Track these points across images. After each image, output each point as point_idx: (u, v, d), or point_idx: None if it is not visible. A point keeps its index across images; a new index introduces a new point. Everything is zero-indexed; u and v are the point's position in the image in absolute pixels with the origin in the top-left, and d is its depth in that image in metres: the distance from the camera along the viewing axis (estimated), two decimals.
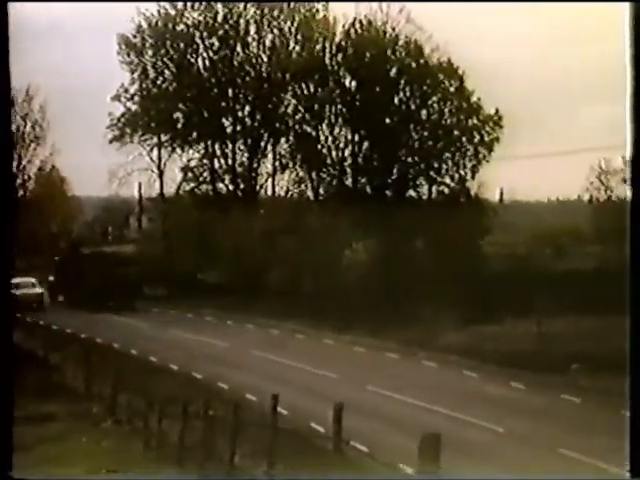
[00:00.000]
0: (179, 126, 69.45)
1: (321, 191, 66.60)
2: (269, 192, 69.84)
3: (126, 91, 70.18)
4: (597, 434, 26.88)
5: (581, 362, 37.01)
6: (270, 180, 69.38)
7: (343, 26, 65.25)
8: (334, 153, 65.29)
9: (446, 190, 61.52)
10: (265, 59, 67.62)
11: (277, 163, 68.72)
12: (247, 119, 68.55)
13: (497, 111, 61.71)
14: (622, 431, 27.33)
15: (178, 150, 70.40)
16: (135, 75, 69.96)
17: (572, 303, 45.15)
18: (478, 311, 45.79)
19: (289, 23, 67.21)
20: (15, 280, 43.09)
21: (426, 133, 61.85)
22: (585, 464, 23.77)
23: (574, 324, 42.78)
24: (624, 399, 28.62)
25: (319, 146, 65.61)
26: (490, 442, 26.38)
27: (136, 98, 70.54)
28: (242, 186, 68.80)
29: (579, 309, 44.45)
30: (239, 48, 67.56)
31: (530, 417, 29.68)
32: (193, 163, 70.25)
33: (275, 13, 67.41)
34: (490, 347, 41.22)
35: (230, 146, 68.70)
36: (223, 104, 68.36)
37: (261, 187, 69.96)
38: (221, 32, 67.32)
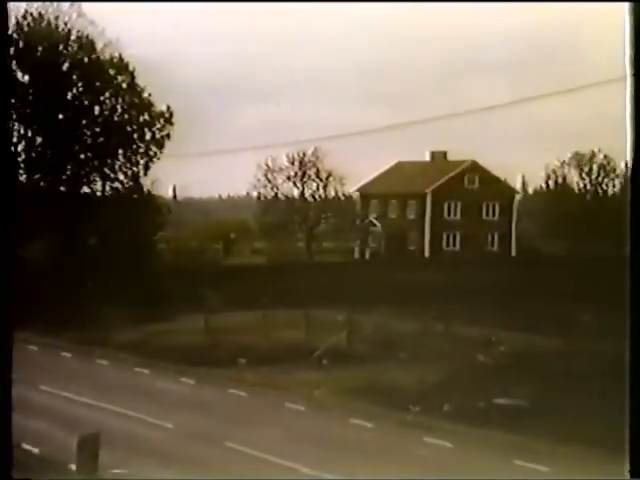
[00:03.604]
0: None
1: None
2: None
3: None
4: (263, 427, 28.63)
5: (247, 356, 38.79)
6: None
7: (15, 18, 64.13)
8: None
9: (120, 187, 61.83)
10: None
11: None
12: None
13: (168, 108, 62.50)
14: (287, 423, 29.36)
15: None
16: None
17: (239, 297, 47.02)
18: (151, 308, 46.73)
19: None
20: None
21: (99, 129, 61.92)
22: (252, 457, 25.32)
23: (240, 318, 44.63)
24: (289, 393, 30.61)
25: None
26: (159, 438, 27.41)
27: None
28: None
29: (246, 303, 46.38)
30: None
31: (199, 412, 31.01)
32: None
33: None
34: (161, 343, 42.33)
35: None
36: None
37: None
38: None
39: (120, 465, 23.60)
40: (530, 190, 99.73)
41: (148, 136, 61.90)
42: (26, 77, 62.69)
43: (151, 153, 61.60)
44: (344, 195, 79.79)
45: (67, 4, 61.96)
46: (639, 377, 9.40)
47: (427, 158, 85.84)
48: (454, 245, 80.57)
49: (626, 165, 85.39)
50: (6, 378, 9.97)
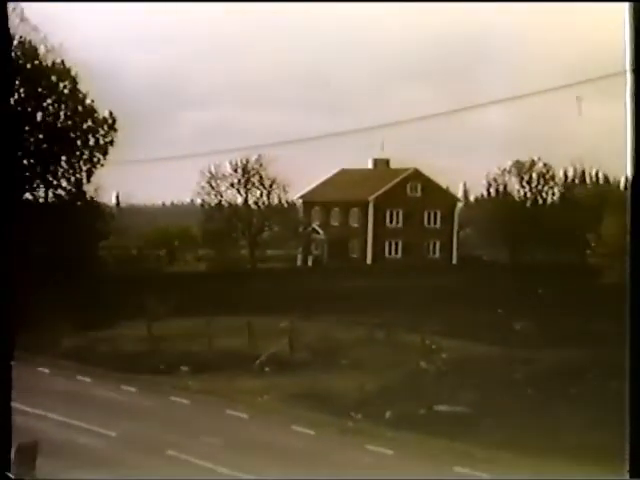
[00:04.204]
0: None
1: None
2: None
3: None
4: (205, 435, 28.73)
5: (190, 364, 38.83)
6: None
7: None
8: None
9: (63, 193, 61.48)
10: None
11: None
12: None
13: (111, 114, 62.23)
14: (229, 431, 29.40)
15: None
16: None
17: (182, 304, 47.08)
18: (93, 315, 46.58)
19: None
20: None
21: (41, 135, 61.53)
22: (193, 465, 25.43)
23: (183, 325, 44.67)
24: (231, 400, 30.77)
25: None
26: (102, 447, 27.41)
27: None
28: None
29: (189, 310, 46.44)
30: None
31: (141, 420, 31.01)
32: None
33: None
34: (103, 351, 42.23)
35: None
36: None
37: None
38: None
39: (61, 474, 23.62)
40: (472, 198, 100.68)
41: (91, 142, 61.60)
42: None
43: (94, 159, 61.33)
44: (287, 202, 79.97)
45: (10, 8, 61.38)
46: (639, 380, 9.57)
47: (370, 166, 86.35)
48: (396, 253, 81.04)
49: (565, 174, 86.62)
50: (5, 379, 10.02)
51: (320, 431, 29.46)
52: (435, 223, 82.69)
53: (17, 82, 61.33)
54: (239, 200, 76.94)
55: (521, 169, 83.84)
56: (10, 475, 11.06)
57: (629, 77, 9.22)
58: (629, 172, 10.18)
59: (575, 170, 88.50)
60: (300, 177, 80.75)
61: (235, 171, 76.14)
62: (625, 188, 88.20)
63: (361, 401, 32.60)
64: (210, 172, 75.73)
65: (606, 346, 39.02)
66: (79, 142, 61.34)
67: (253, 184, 76.39)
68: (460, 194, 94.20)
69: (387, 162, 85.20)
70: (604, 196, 72.06)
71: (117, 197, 77.90)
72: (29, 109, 61.04)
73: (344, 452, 27.45)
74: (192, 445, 27.20)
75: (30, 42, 61.67)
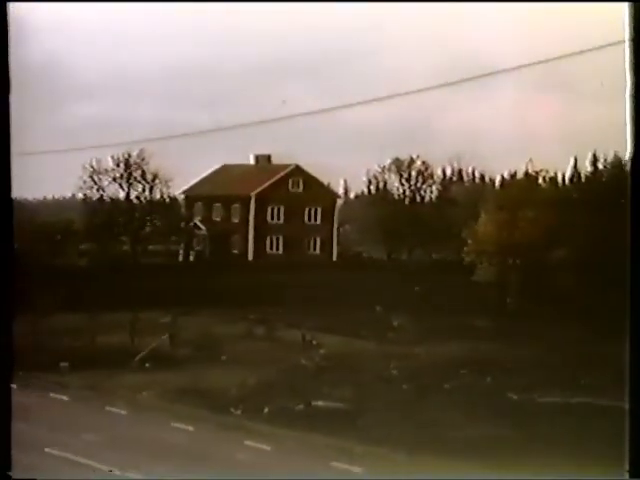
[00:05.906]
0: None
1: None
2: None
3: None
4: (84, 432, 28.72)
5: (70, 360, 38.64)
6: None
7: None
8: None
9: None
10: None
11: None
12: None
13: None
14: (107, 427, 29.28)
15: None
16: None
17: (63, 300, 46.72)
18: None
19: None
20: None
21: None
22: (71, 462, 25.45)
23: (64, 321, 44.36)
24: (111, 396, 30.71)
25: None
26: None
27: None
28: None
29: (70, 306, 46.15)
30: None
31: (19, 417, 30.66)
32: None
33: None
34: None
35: None
36: None
37: None
38: None
39: None
40: (352, 195, 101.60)
41: None
42: None
43: None
44: (170, 197, 79.58)
45: None
46: (639, 380, 9.88)
47: (251, 161, 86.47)
48: (277, 249, 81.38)
49: (443, 172, 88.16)
50: (6, 380, 10.07)
51: (199, 427, 29.71)
52: (316, 219, 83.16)
53: None
54: (121, 195, 76.38)
55: (400, 167, 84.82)
56: (11, 474, 11.15)
57: (629, 78, 9.60)
58: (629, 172, 10.53)
59: (453, 168, 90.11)
60: (182, 172, 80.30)
61: (117, 165, 75.48)
62: (501, 185, 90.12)
63: (241, 397, 32.96)
64: (92, 166, 75.00)
65: (480, 342, 40.26)
66: None
67: (135, 179, 75.90)
68: (341, 191, 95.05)
69: (269, 158, 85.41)
70: (480, 194, 73.50)
71: None
72: None
73: (222, 448, 27.76)
74: (70, 442, 27.18)
75: None
